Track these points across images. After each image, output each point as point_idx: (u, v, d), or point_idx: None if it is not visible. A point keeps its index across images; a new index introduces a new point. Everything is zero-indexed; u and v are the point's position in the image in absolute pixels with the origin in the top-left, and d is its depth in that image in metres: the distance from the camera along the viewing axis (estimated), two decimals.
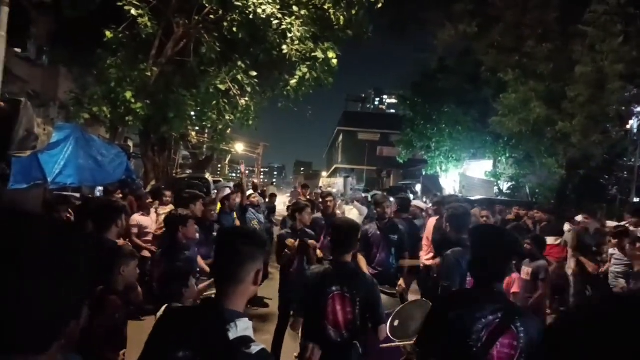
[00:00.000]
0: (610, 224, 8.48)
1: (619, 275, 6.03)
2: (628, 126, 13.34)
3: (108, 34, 8.08)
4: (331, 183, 22.28)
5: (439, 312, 2.19)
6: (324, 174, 50.21)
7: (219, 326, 1.45)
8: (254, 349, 1.42)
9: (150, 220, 6.92)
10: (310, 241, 4.97)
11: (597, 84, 11.21)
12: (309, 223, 5.35)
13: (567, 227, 8.07)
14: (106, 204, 3.71)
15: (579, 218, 7.87)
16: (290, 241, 4.91)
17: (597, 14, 11.19)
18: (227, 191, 6.99)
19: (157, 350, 1.51)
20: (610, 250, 6.33)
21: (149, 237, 6.74)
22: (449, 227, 3.84)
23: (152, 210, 7.12)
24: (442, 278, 3.66)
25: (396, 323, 3.37)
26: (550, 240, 6.99)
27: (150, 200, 7.23)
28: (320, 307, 2.90)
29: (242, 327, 1.47)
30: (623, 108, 11.88)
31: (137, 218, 6.81)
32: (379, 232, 5.39)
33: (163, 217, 6.63)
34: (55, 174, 5.77)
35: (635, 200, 13.03)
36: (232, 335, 1.43)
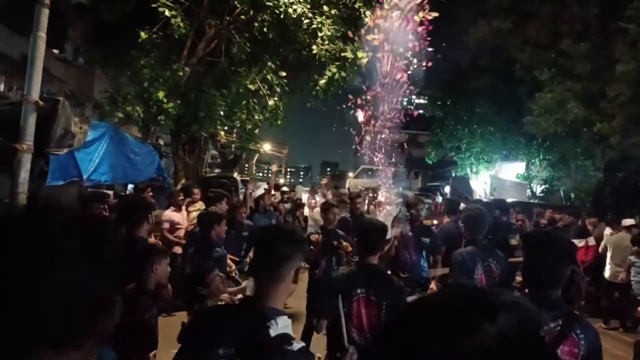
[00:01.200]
0: None
1: None
2: None
3: (143, 34, 8.22)
4: (359, 184, 22.06)
5: None
6: (350, 174, 50.03)
7: (259, 323, 1.44)
8: (296, 346, 1.43)
9: (181, 217, 7.07)
10: (345, 243, 4.91)
11: (639, 83, 10.76)
12: (335, 222, 5.32)
13: (607, 231, 7.75)
14: (137, 201, 3.74)
15: (628, 222, 7.48)
16: (314, 236, 4.85)
17: (639, 10, 10.75)
18: (262, 190, 7.02)
19: (198, 347, 1.51)
20: (633, 258, 5.98)
21: (180, 233, 6.88)
22: (463, 227, 3.88)
23: (183, 207, 7.26)
24: (450, 275, 3.76)
25: None
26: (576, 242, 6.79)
27: (181, 197, 7.37)
28: (345, 310, 2.82)
29: (283, 325, 1.47)
30: None
31: (169, 214, 6.97)
32: (410, 234, 5.29)
33: (193, 214, 6.77)
34: (90, 172, 5.89)
35: None
36: (272, 332, 1.43)
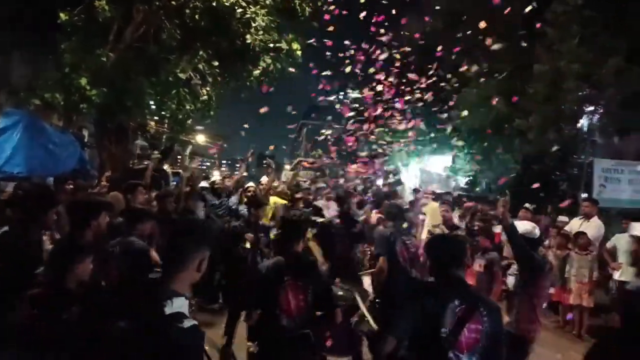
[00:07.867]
0: (562, 218, 8.82)
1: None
2: (579, 125, 13.88)
3: (62, 15, 7.69)
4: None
5: (413, 300, 2.37)
6: (287, 167, 50.04)
7: (157, 302, 1.63)
8: (186, 324, 1.61)
9: None
10: (250, 235, 5.08)
11: (554, 83, 11.59)
12: (262, 218, 5.75)
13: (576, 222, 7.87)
14: (89, 200, 3.38)
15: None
16: (249, 236, 4.94)
17: (556, 14, 11.54)
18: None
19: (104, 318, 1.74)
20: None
21: None
22: (385, 216, 4.82)
23: None
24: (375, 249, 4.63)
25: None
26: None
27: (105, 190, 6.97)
28: (274, 297, 2.95)
29: (177, 305, 1.65)
30: (576, 107, 12.34)
31: None
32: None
33: None
34: (2, 163, 5.48)
35: (584, 195, 13.63)
36: (167, 310, 1.61)
